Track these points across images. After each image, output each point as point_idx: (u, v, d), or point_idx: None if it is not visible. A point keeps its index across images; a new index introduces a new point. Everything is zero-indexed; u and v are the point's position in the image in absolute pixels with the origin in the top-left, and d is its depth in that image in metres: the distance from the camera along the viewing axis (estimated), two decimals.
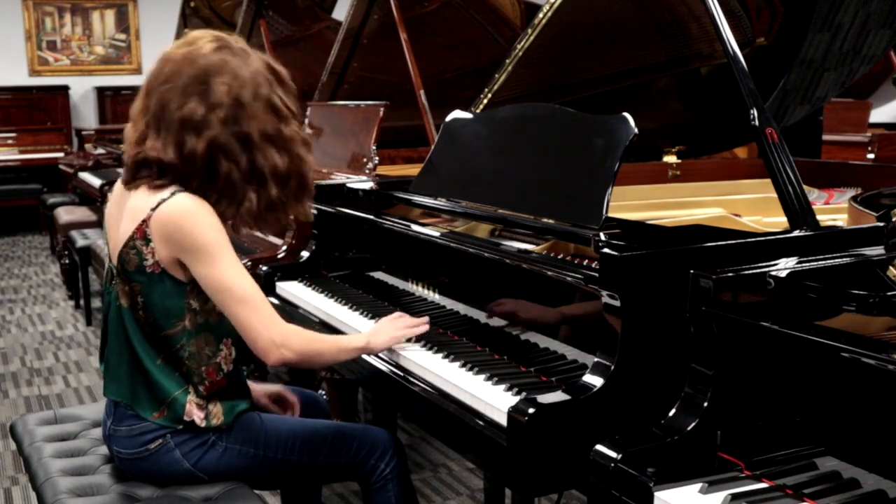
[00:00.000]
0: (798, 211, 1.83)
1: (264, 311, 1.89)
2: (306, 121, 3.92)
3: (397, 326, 2.09)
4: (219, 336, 1.96)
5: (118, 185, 2.01)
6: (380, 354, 2.12)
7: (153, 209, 1.87)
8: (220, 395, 1.97)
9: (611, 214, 1.92)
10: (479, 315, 2.12)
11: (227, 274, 1.86)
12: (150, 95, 1.91)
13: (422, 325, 2.10)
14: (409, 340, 2.11)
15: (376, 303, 2.53)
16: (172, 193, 1.87)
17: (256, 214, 1.94)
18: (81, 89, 9.90)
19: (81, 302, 5.86)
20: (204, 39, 1.92)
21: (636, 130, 1.93)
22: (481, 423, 1.74)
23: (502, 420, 1.66)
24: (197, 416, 1.93)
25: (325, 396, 2.76)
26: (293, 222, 3.14)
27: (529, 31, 2.73)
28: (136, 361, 1.92)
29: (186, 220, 1.84)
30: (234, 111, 1.87)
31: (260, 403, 2.18)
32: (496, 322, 2.06)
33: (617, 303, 1.65)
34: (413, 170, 2.92)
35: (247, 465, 1.98)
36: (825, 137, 3.90)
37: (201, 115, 1.85)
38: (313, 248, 2.89)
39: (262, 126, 1.90)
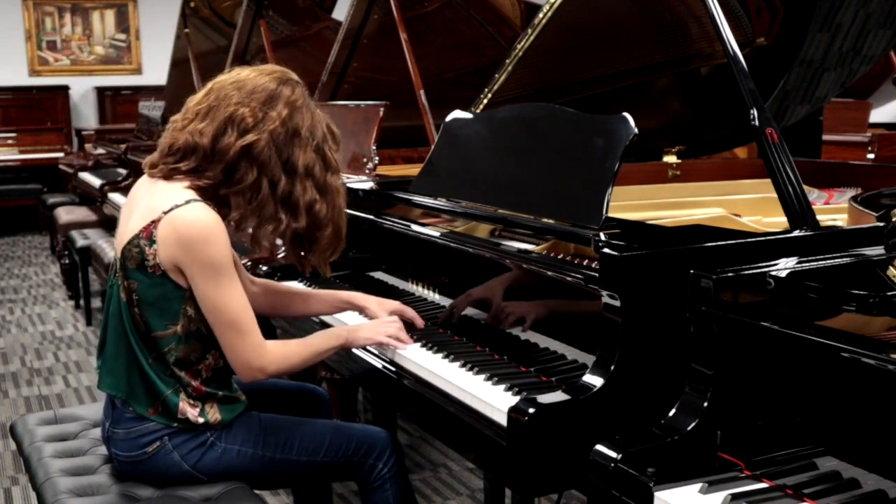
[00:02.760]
0: (798, 211, 1.83)
1: (249, 338, 1.92)
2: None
3: (382, 330, 2.10)
4: (207, 346, 1.96)
5: (141, 179, 2.04)
6: (379, 354, 2.13)
7: (165, 212, 1.87)
8: (213, 397, 1.97)
9: (611, 214, 1.92)
10: (480, 315, 2.12)
11: (223, 296, 1.88)
12: (213, 91, 1.97)
13: (408, 342, 2.10)
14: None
15: None
16: (187, 201, 1.88)
17: (279, 237, 1.99)
18: (81, 89, 9.89)
19: (81, 302, 5.86)
20: (290, 73, 2.02)
21: (636, 130, 1.93)
22: (481, 422, 1.74)
23: (502, 420, 1.66)
24: (191, 413, 1.93)
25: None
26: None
27: (529, 31, 2.72)
28: (133, 357, 1.93)
29: (201, 235, 1.86)
30: (286, 135, 1.93)
31: (369, 310, 2.23)
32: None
33: (617, 303, 1.65)
34: (413, 170, 2.92)
35: (246, 464, 1.99)
36: (825, 137, 3.90)
37: (252, 120, 1.91)
38: None
39: (309, 163, 1.95)
